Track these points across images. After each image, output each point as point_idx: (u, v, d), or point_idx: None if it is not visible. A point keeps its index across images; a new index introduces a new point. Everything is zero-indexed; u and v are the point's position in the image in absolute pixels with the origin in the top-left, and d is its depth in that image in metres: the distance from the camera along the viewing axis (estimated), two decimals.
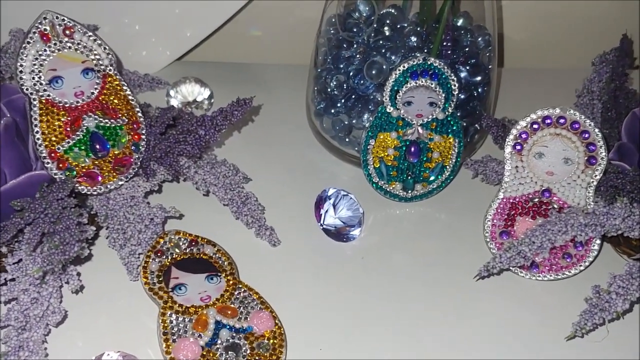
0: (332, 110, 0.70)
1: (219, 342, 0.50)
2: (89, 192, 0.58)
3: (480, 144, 0.74)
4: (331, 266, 0.60)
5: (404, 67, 0.62)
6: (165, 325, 0.51)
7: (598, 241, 0.58)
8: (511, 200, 0.60)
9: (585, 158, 0.58)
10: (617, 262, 0.60)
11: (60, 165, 0.56)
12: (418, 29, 0.67)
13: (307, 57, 0.74)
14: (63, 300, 0.52)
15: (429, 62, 0.62)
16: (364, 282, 0.59)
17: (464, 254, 0.62)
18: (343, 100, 0.69)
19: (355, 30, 0.68)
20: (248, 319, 0.52)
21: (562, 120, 0.58)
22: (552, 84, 0.84)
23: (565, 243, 0.58)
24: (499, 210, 0.60)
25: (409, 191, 0.67)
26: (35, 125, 0.56)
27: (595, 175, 0.58)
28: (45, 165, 0.56)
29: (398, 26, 0.68)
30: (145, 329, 0.53)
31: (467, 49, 0.68)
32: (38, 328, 0.48)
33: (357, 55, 0.67)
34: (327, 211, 0.63)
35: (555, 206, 0.59)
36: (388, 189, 0.67)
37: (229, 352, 0.50)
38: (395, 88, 0.63)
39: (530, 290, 0.59)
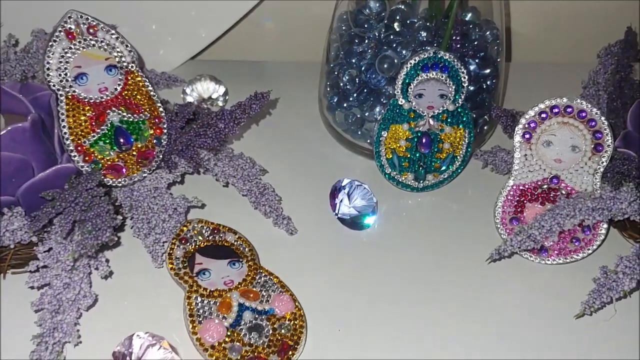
0: (345, 104, 0.72)
1: (243, 323, 0.53)
2: (113, 184, 0.60)
3: (490, 135, 0.76)
4: (347, 253, 0.63)
5: (415, 60, 0.64)
6: (191, 307, 0.53)
7: (605, 225, 0.60)
8: (521, 188, 0.62)
9: (592, 145, 0.60)
10: (623, 246, 0.62)
11: (86, 158, 0.59)
12: (427, 24, 0.69)
13: (319, 54, 0.76)
14: (93, 286, 0.54)
15: (439, 55, 0.64)
16: (379, 267, 0.61)
17: (475, 240, 0.64)
18: (355, 94, 0.71)
19: (366, 26, 0.70)
20: (269, 301, 0.54)
21: (569, 109, 0.60)
22: (559, 77, 0.86)
23: (574, 227, 0.60)
24: (508, 197, 0.62)
25: (421, 181, 0.69)
26: (62, 120, 0.58)
27: (602, 162, 0.60)
28: (72, 158, 0.58)
29: (408, 22, 0.70)
30: (171, 313, 0.55)
31: (475, 43, 0.70)
32: (71, 311, 0.51)
33: (369, 50, 0.69)
34: (341, 201, 0.65)
35: (564, 192, 0.61)
36: (400, 180, 0.69)
37: (252, 333, 0.52)
38: (407, 81, 0.65)
39: (540, 274, 0.61)
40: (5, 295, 0.55)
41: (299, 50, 0.89)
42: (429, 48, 0.64)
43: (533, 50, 0.93)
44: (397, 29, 0.69)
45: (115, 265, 0.57)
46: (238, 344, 0.51)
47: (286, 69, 0.88)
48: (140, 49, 0.78)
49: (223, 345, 0.51)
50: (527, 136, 0.61)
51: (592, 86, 0.73)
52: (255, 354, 0.51)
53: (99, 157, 0.59)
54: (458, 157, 0.68)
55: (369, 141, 0.72)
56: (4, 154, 0.56)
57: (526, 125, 0.61)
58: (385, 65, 0.68)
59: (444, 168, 0.69)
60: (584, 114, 0.59)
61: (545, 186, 0.61)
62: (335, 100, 0.73)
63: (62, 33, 0.58)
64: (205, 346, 0.51)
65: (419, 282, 0.60)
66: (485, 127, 0.74)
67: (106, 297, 0.56)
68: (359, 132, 0.73)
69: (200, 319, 0.52)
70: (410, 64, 0.64)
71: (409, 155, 0.68)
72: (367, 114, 0.71)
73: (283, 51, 0.91)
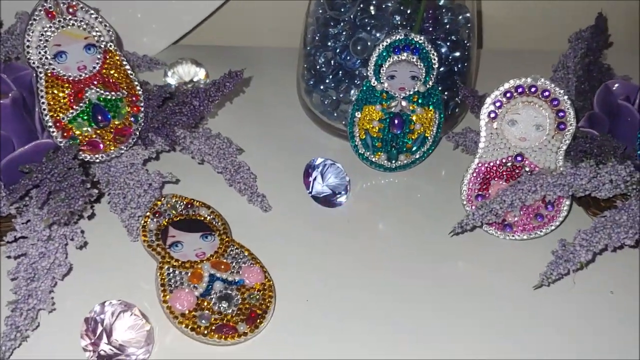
0: (321, 87, 0.74)
1: (213, 292, 0.55)
2: (91, 160, 0.62)
3: (462, 118, 0.78)
4: (319, 229, 0.64)
5: (386, 42, 0.66)
6: (163, 277, 0.55)
7: (567, 202, 0.62)
8: (486, 165, 0.64)
9: (555, 124, 0.62)
10: (587, 223, 0.64)
11: (65, 134, 0.60)
12: (402, 7, 0.71)
13: (298, 39, 0.78)
14: (68, 257, 0.56)
15: (410, 38, 0.66)
16: (349, 243, 0.63)
17: (444, 218, 0.66)
18: (331, 77, 0.73)
19: (342, 9, 0.72)
20: (240, 272, 0.56)
21: (533, 89, 0.62)
22: (531, 64, 0.88)
23: (537, 204, 0.62)
24: (474, 175, 0.64)
25: (393, 161, 0.71)
26: (42, 97, 0.60)
27: (565, 140, 0.62)
28: (51, 133, 0.60)
29: (383, 5, 0.71)
30: (144, 283, 0.57)
31: (447, 26, 0.72)
32: (45, 279, 0.52)
33: (343, 33, 0.71)
34: (315, 179, 0.67)
35: (527, 169, 0.63)
36: (373, 160, 0.71)
37: (222, 302, 0.54)
38: (379, 62, 0.67)
39: (505, 249, 0.63)
40: None
41: (279, 35, 0.91)
42: (400, 30, 0.66)
43: (505, 37, 0.95)
44: (372, 12, 0.71)
45: (91, 237, 0.59)
46: (207, 312, 0.53)
47: (266, 53, 0.90)
48: (125, 36, 0.81)
49: (193, 313, 0.53)
50: (492, 115, 0.63)
51: (561, 69, 0.75)
52: (224, 321, 0.53)
53: (77, 133, 0.61)
54: (429, 138, 0.70)
55: (344, 122, 0.74)
56: None
57: (492, 105, 0.63)
58: (359, 47, 0.70)
59: (415, 149, 0.70)
60: (547, 93, 0.61)
61: (509, 164, 0.63)
62: (312, 82, 0.75)
63: (42, 12, 0.60)
64: (175, 314, 0.53)
65: (388, 258, 0.62)
66: (457, 110, 0.76)
67: (81, 266, 0.58)
68: (335, 114, 0.75)
69: (172, 289, 0.54)
70: (382, 45, 0.66)
71: (381, 136, 0.70)
72: (342, 95, 0.73)
73: (264, 36, 0.93)
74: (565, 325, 0.56)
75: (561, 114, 0.61)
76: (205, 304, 0.54)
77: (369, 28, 0.70)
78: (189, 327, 0.52)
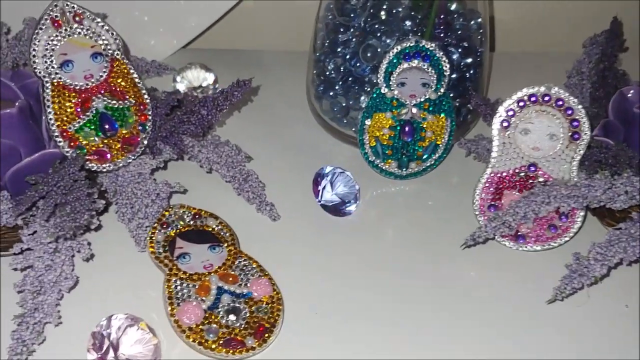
0: (331, 93, 0.73)
1: (221, 305, 0.54)
2: (98, 170, 0.61)
3: (474, 125, 0.77)
4: (328, 239, 0.64)
5: (397, 49, 0.65)
6: (170, 290, 0.54)
7: (582, 213, 0.61)
8: (499, 175, 0.63)
9: (570, 134, 0.61)
10: (601, 234, 0.63)
11: (72, 143, 0.60)
12: (412, 13, 0.69)
13: (308, 43, 0.77)
14: (75, 268, 0.55)
15: (421, 45, 0.65)
16: (360, 254, 0.62)
17: (455, 227, 0.65)
18: (340, 83, 0.72)
19: (352, 15, 0.71)
20: (248, 285, 0.56)
21: (546, 98, 0.60)
22: (544, 67, 0.87)
23: (550, 215, 0.61)
24: (487, 185, 0.63)
25: (404, 169, 0.70)
26: (48, 107, 0.59)
27: (579, 150, 0.61)
28: (58, 143, 0.59)
29: (394, 11, 0.70)
30: (151, 295, 0.56)
31: (459, 32, 0.71)
32: (52, 292, 0.52)
33: (353, 39, 0.70)
34: (324, 187, 0.66)
35: (541, 180, 0.62)
36: (384, 167, 0.70)
37: (230, 315, 0.53)
38: (389, 70, 0.66)
39: (517, 260, 0.62)
40: None
41: (289, 40, 0.90)
42: (411, 37, 0.65)
43: (518, 41, 0.94)
44: (383, 18, 0.70)
45: (98, 248, 0.59)
46: (215, 325, 0.53)
47: (276, 57, 0.89)
48: (132, 40, 0.80)
49: (200, 327, 0.52)
50: (505, 124, 0.62)
51: (575, 75, 0.73)
52: (232, 335, 0.52)
53: (84, 142, 0.61)
54: (440, 146, 0.69)
55: (354, 129, 0.73)
56: None
57: (504, 114, 0.62)
58: (369, 54, 0.69)
59: (426, 156, 0.69)
60: (561, 102, 0.60)
61: (522, 174, 0.62)
62: (321, 88, 0.74)
63: (48, 21, 0.59)
64: (182, 328, 0.52)
65: (399, 269, 0.61)
66: (469, 116, 0.75)
67: (88, 278, 0.57)
68: (344, 121, 0.74)
69: (179, 302, 0.54)
70: (393, 52, 0.65)
71: (392, 143, 0.69)
72: (351, 102, 0.72)
73: (273, 41, 0.92)
74: (579, 339, 0.55)
75: (575, 123, 0.60)
76: (213, 317, 0.53)
77: (379, 34, 0.69)
78: (197, 341, 0.52)
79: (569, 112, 0.60)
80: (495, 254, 0.63)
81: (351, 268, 0.61)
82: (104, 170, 0.62)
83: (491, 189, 0.63)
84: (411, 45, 0.65)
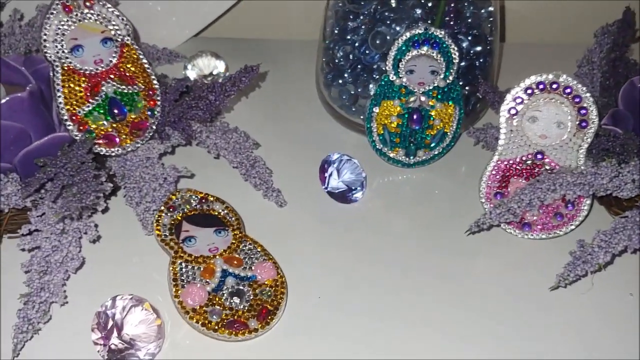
0: (340, 81, 0.73)
1: (225, 288, 0.54)
2: (107, 154, 0.62)
3: (484, 114, 0.77)
4: (333, 225, 0.64)
5: (406, 36, 0.65)
6: (175, 272, 0.55)
7: (588, 201, 0.61)
8: (505, 163, 0.62)
9: (577, 122, 0.60)
10: (608, 223, 0.62)
11: (81, 127, 0.61)
12: (422, 1, 0.69)
13: (319, 32, 0.77)
14: (82, 250, 0.56)
15: (430, 32, 0.65)
16: (365, 241, 0.63)
17: (462, 216, 0.65)
18: (349, 71, 0.72)
19: (362, 2, 0.71)
20: (252, 268, 0.56)
21: (555, 86, 0.60)
22: (555, 58, 0.86)
23: (556, 202, 0.61)
24: (493, 172, 0.63)
25: (411, 157, 0.70)
26: (58, 90, 0.60)
27: (587, 138, 0.60)
28: (67, 127, 0.60)
29: None
30: (156, 278, 0.57)
31: (469, 20, 0.71)
32: (58, 272, 0.53)
33: (363, 26, 0.70)
34: (331, 174, 0.66)
35: (548, 168, 0.61)
36: (391, 155, 0.70)
37: (234, 297, 0.54)
38: (398, 57, 0.66)
39: (523, 248, 0.62)
40: (3, 258, 0.58)
41: (300, 28, 0.90)
42: (420, 24, 0.65)
43: (529, 31, 0.93)
44: (393, 5, 0.70)
45: (105, 230, 0.60)
46: (219, 307, 0.53)
47: (287, 46, 0.90)
48: (144, 28, 0.81)
49: (204, 308, 0.53)
50: (512, 112, 0.61)
51: (586, 65, 0.73)
52: (235, 317, 0.53)
53: (93, 126, 0.61)
54: (448, 134, 0.69)
55: (362, 117, 0.73)
56: (3, 122, 0.58)
57: (512, 101, 0.61)
58: (378, 42, 0.69)
59: (434, 144, 0.69)
60: (569, 90, 0.60)
61: (529, 162, 0.62)
62: (330, 76, 0.74)
63: (59, 6, 0.60)
64: (186, 309, 0.53)
65: (404, 257, 0.61)
66: (478, 105, 0.75)
67: (95, 260, 0.58)
68: (353, 109, 0.74)
69: (184, 283, 0.54)
70: (402, 39, 0.65)
71: (400, 131, 0.69)
72: (360, 90, 0.72)
73: (284, 29, 0.93)
74: (583, 327, 0.55)
75: (583, 111, 0.60)
76: (217, 299, 0.54)
77: (388, 22, 0.69)
78: (200, 322, 0.52)
79: (577, 100, 0.60)
80: (501, 242, 0.63)
81: (356, 255, 0.61)
82: (113, 154, 0.62)
83: (497, 177, 0.63)
84: (420, 32, 0.65)
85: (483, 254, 0.62)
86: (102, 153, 0.62)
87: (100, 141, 0.61)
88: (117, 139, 0.62)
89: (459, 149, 0.72)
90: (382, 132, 0.69)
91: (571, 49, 0.79)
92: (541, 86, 0.61)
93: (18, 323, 0.50)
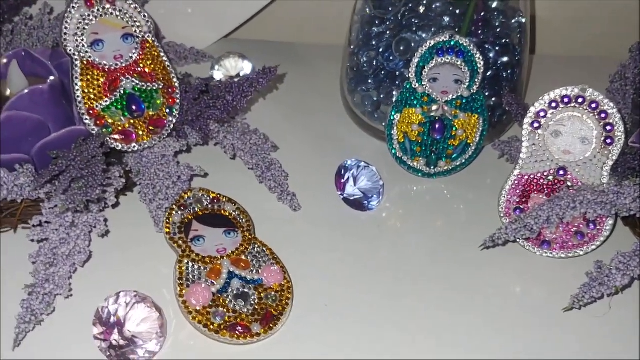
0: (363, 87, 0.72)
1: (230, 290, 0.54)
2: (124, 150, 0.62)
3: (511, 126, 0.75)
4: (347, 233, 0.63)
5: (430, 43, 0.64)
6: (181, 271, 0.54)
7: (611, 221, 0.59)
8: (526, 177, 0.61)
9: (603, 138, 0.58)
10: (631, 245, 0.60)
11: (98, 122, 0.61)
12: (451, 9, 0.68)
13: (345, 37, 0.76)
14: (92, 244, 0.56)
15: (455, 40, 0.63)
16: (378, 249, 0.61)
17: (481, 230, 0.62)
18: (373, 77, 0.71)
19: (390, 9, 0.70)
20: (260, 271, 0.55)
21: (580, 100, 0.58)
22: (587, 71, 0.84)
23: (577, 221, 0.59)
24: (514, 187, 0.61)
25: (432, 167, 0.68)
26: (76, 84, 0.60)
27: (612, 156, 0.58)
28: (84, 121, 0.60)
29: (433, 6, 0.69)
30: (162, 275, 0.56)
31: (498, 30, 0.69)
32: (64, 265, 0.53)
33: (388, 32, 0.69)
34: (347, 181, 0.65)
35: (569, 184, 0.59)
36: (411, 164, 0.68)
37: (238, 300, 0.53)
38: (421, 64, 0.64)
39: (541, 266, 0.60)
40: (17, 249, 0.58)
41: (327, 32, 0.90)
42: (446, 32, 0.64)
43: (560, 43, 0.91)
44: (421, 12, 0.69)
45: (117, 226, 0.60)
46: (222, 309, 0.52)
47: (315, 50, 0.89)
48: (175, 28, 0.81)
49: (207, 309, 0.52)
50: (536, 125, 0.60)
51: (618, 80, 0.71)
52: (239, 320, 0.52)
53: (111, 121, 0.61)
54: (471, 145, 0.67)
55: (384, 124, 0.72)
56: (22, 113, 0.58)
57: (536, 114, 0.60)
58: (402, 48, 0.68)
59: (456, 155, 0.68)
60: (595, 105, 0.58)
61: (551, 177, 0.60)
62: (354, 82, 0.73)
63: (81, 0, 0.60)
64: (189, 309, 0.52)
65: (416, 267, 0.60)
66: (505, 117, 0.73)
67: (103, 255, 0.58)
68: (375, 115, 0.73)
69: (189, 283, 0.54)
70: (425, 47, 0.64)
71: (421, 140, 0.67)
72: (382, 96, 0.71)
73: (311, 34, 0.92)
74: (598, 350, 0.53)
75: (609, 127, 0.58)
76: (221, 301, 0.53)
77: (414, 28, 0.68)
78: (202, 323, 0.52)
79: (603, 115, 0.58)
80: (519, 259, 0.61)
81: (368, 265, 0.60)
82: (129, 150, 0.62)
83: (518, 191, 0.61)
84: (445, 40, 0.63)
85: (499, 270, 0.60)
86: (118, 149, 0.61)
87: (117, 137, 0.61)
88: (134, 136, 0.62)
89: (483, 161, 0.71)
90: (402, 140, 0.68)
91: (604, 62, 0.76)
92: (566, 100, 0.59)
93: (21, 313, 0.50)
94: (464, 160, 0.68)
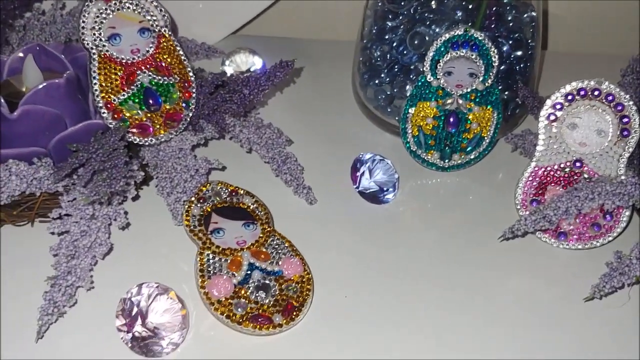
0: (376, 81, 0.72)
1: (251, 281, 0.54)
2: (141, 143, 0.62)
3: (523, 120, 0.75)
4: (363, 226, 0.63)
5: (445, 37, 0.64)
6: (202, 263, 0.54)
7: (627, 212, 0.59)
8: (543, 170, 0.61)
9: (619, 130, 0.59)
10: None
11: (115, 115, 0.61)
12: (464, 3, 0.68)
13: (356, 33, 0.76)
14: (112, 237, 0.56)
15: (470, 34, 0.64)
16: (393, 242, 0.61)
17: (496, 223, 0.63)
18: (386, 71, 0.71)
19: (402, 3, 0.70)
20: (279, 263, 0.55)
21: (596, 92, 0.59)
22: (598, 68, 0.83)
23: (594, 212, 0.59)
24: (530, 179, 0.61)
25: (446, 161, 0.69)
26: (94, 78, 0.60)
27: (628, 148, 0.59)
28: (102, 114, 0.60)
29: (445, 0, 0.69)
30: (183, 268, 0.57)
31: (511, 24, 0.70)
32: (85, 257, 0.53)
33: (401, 26, 0.69)
34: (362, 174, 0.65)
35: (586, 176, 0.60)
36: (425, 158, 0.69)
37: (259, 291, 0.53)
38: (436, 58, 0.65)
39: (558, 258, 0.60)
40: (34, 242, 0.58)
41: (338, 28, 0.90)
42: (460, 26, 0.64)
43: (572, 39, 0.91)
44: (434, 6, 0.69)
45: (136, 219, 0.60)
46: (244, 300, 0.53)
47: (325, 46, 0.89)
48: (185, 23, 0.81)
49: (229, 300, 0.52)
50: (552, 118, 0.60)
51: (630, 74, 0.71)
52: (260, 311, 0.52)
53: (128, 115, 0.61)
54: (485, 138, 0.68)
55: (397, 118, 0.72)
56: (39, 107, 0.58)
57: (552, 107, 0.60)
58: (416, 42, 0.68)
59: (470, 149, 0.68)
60: (611, 98, 0.58)
61: (567, 169, 0.60)
62: (367, 76, 0.74)
63: None
64: (211, 300, 0.52)
65: (434, 261, 0.60)
66: (518, 111, 0.73)
67: (123, 247, 0.58)
68: (389, 109, 0.73)
69: (210, 275, 0.54)
70: (440, 40, 0.64)
71: (435, 134, 0.68)
72: (396, 90, 0.71)
73: (323, 29, 0.92)
74: (618, 338, 0.53)
75: (625, 119, 0.58)
76: (243, 292, 0.53)
77: (428, 22, 0.68)
78: (224, 314, 0.52)
79: (619, 107, 0.58)
80: (535, 251, 0.61)
81: (384, 257, 0.60)
82: (146, 143, 0.62)
83: (534, 184, 0.61)
84: (460, 34, 0.64)
85: (516, 262, 0.60)
86: (135, 142, 0.62)
87: (134, 130, 0.61)
88: (151, 129, 0.62)
89: (496, 155, 0.71)
90: (417, 133, 0.68)
91: (615, 60, 0.76)
92: (582, 92, 0.59)
93: (44, 305, 0.50)
94: (478, 154, 0.69)
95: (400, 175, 0.66)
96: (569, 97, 0.59)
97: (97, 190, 0.50)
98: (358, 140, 0.73)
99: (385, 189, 0.65)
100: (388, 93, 0.72)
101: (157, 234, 0.60)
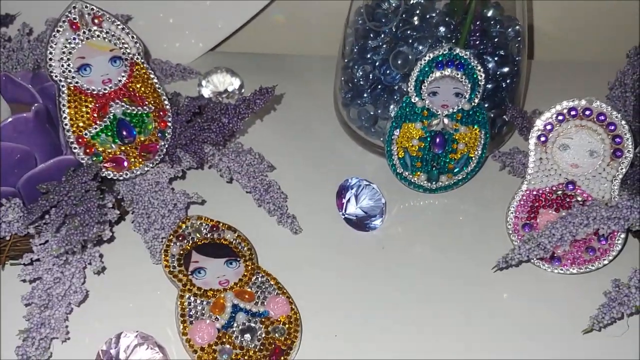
0: (359, 101, 0.70)
1: (235, 325, 0.51)
2: (115, 178, 0.59)
3: (509, 137, 0.73)
4: (351, 255, 0.61)
5: (429, 57, 0.62)
6: (183, 307, 0.52)
7: (622, 235, 0.57)
8: (534, 193, 0.59)
9: (611, 151, 0.57)
10: None
11: (88, 150, 0.58)
12: (447, 19, 0.66)
13: (337, 48, 0.74)
14: (87, 281, 0.53)
15: (454, 52, 0.62)
16: (383, 271, 0.59)
17: (487, 246, 0.61)
18: (369, 91, 0.69)
19: (384, 20, 0.68)
20: (265, 303, 0.53)
21: (587, 112, 0.57)
22: (584, 77, 0.82)
23: (589, 236, 0.57)
24: (522, 202, 0.59)
25: (434, 182, 0.66)
26: (64, 112, 0.57)
27: (621, 169, 0.57)
28: (73, 150, 0.58)
29: (427, 16, 0.67)
30: (164, 311, 0.54)
31: (495, 40, 0.68)
32: (60, 306, 0.50)
33: (384, 45, 0.67)
34: (348, 200, 0.63)
35: (579, 199, 0.58)
36: (412, 180, 0.67)
37: (245, 335, 0.51)
38: (421, 78, 0.63)
39: (552, 283, 0.59)
40: (4, 287, 0.55)
41: (318, 44, 0.87)
42: (444, 44, 0.62)
43: (557, 49, 0.90)
44: (415, 23, 0.67)
45: (111, 260, 0.57)
46: (229, 346, 0.50)
47: (304, 62, 0.86)
48: (157, 42, 0.78)
49: (213, 347, 0.50)
50: (542, 139, 0.58)
51: (618, 87, 0.69)
52: (246, 357, 0.50)
53: (101, 149, 0.59)
54: (473, 158, 0.66)
55: (382, 139, 0.70)
56: (6, 144, 0.55)
57: (542, 128, 0.58)
58: (400, 61, 0.66)
59: (457, 169, 0.66)
60: (603, 117, 0.56)
61: (560, 192, 0.58)
62: (349, 96, 0.71)
63: (65, 23, 0.57)
64: (194, 347, 0.50)
65: (425, 289, 0.58)
66: (504, 128, 0.71)
67: (99, 292, 0.55)
68: (372, 130, 0.71)
69: (192, 320, 0.51)
70: (425, 60, 0.62)
71: (421, 155, 0.65)
72: (380, 111, 0.69)
73: (302, 45, 0.90)
74: None
75: (618, 139, 0.56)
76: (227, 337, 0.51)
77: (410, 41, 0.66)
78: None
79: (611, 127, 0.56)
80: (529, 276, 0.59)
81: (375, 287, 0.58)
82: (121, 178, 0.59)
83: (526, 207, 0.59)
84: (444, 52, 0.62)
85: (508, 287, 0.58)
86: (109, 177, 0.59)
87: (108, 165, 0.59)
88: (126, 162, 0.59)
89: (484, 174, 0.69)
90: (402, 155, 0.66)
91: (601, 67, 0.75)
92: (573, 112, 0.57)
93: None
94: (466, 174, 0.67)
95: (387, 198, 0.64)
96: (560, 117, 0.57)
97: (69, 239, 0.48)
98: (342, 163, 0.71)
99: (372, 214, 0.63)
100: (371, 113, 0.70)
101: (135, 274, 0.57)
